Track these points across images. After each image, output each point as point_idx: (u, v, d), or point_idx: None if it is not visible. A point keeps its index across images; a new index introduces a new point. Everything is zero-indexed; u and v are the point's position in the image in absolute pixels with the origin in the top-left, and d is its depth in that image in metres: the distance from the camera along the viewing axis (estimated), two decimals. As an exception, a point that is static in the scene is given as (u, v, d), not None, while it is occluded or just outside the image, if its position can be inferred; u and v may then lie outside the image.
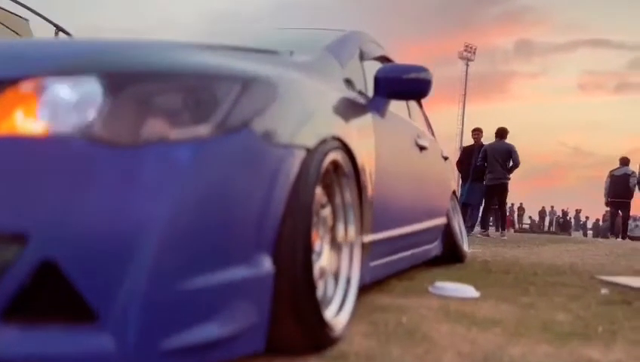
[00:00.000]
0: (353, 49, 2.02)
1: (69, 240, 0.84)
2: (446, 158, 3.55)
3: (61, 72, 0.95)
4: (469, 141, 9.10)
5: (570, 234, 22.12)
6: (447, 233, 3.42)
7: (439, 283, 2.33)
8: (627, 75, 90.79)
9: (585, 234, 25.68)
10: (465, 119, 33.99)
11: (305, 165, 1.20)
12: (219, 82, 1.06)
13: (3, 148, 0.89)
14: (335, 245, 1.47)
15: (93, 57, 1.01)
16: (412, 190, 2.46)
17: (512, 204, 25.70)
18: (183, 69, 1.06)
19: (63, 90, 0.94)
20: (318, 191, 1.31)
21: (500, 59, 76.82)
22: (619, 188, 10.12)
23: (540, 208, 31.64)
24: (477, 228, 8.99)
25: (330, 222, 1.45)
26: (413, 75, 1.97)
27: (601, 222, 24.94)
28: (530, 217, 31.37)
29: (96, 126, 0.92)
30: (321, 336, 1.23)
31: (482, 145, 8.58)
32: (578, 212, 31.99)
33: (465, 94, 36.83)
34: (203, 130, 0.98)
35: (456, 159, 8.79)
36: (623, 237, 10.87)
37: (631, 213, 11.40)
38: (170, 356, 0.88)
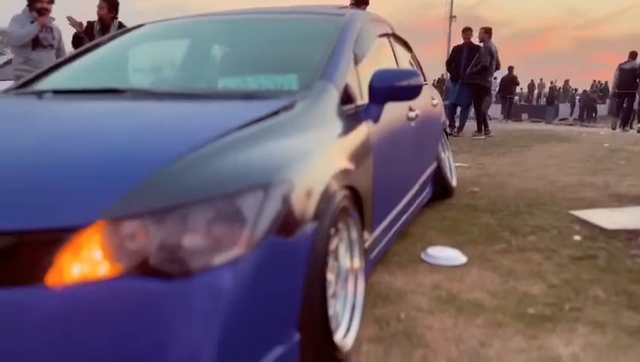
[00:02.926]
0: (348, 60, 2.10)
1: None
2: (435, 105, 3.68)
3: (118, 215, 1.12)
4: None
5: (557, 112, 22.40)
6: (437, 174, 3.66)
7: (430, 250, 2.63)
8: None
9: (572, 106, 25.99)
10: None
11: (318, 235, 1.41)
12: (244, 197, 1.23)
13: (75, 297, 1.08)
14: (340, 272, 1.72)
15: (140, 193, 1.16)
16: (406, 168, 2.66)
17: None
18: (216, 187, 1.22)
19: (123, 232, 1.12)
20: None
21: None
22: (626, 80, 10.97)
23: (529, 81, 31.66)
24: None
25: (336, 251, 1.68)
26: (404, 83, 2.09)
27: (590, 94, 25.14)
28: (521, 89, 31.47)
29: (152, 261, 1.11)
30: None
31: (472, 44, 8.54)
32: (567, 82, 32.12)
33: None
34: (236, 250, 1.18)
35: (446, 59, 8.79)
36: (624, 126, 11.46)
37: None
38: None
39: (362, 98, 2.13)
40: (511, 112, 17.21)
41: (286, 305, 1.31)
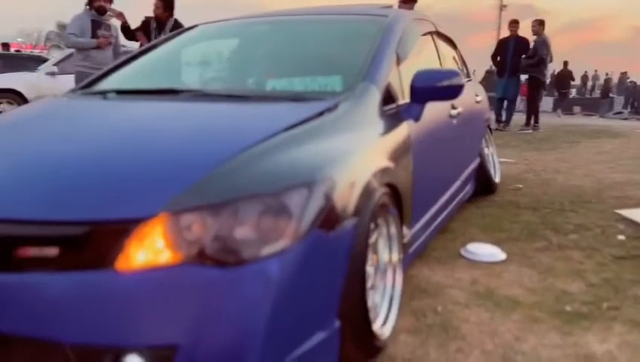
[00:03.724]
0: (390, 61, 2.18)
1: (207, 346, 1.20)
2: (479, 102, 3.69)
3: (178, 209, 1.25)
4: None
5: (612, 106, 21.49)
6: (480, 170, 3.68)
7: (470, 247, 2.68)
8: None
9: (627, 99, 24.90)
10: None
11: (359, 229, 1.50)
12: (290, 194, 1.34)
13: (140, 280, 1.22)
14: (379, 265, 1.81)
15: (198, 188, 1.29)
16: (447, 166, 2.72)
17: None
18: (266, 184, 1.33)
19: (182, 224, 1.25)
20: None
21: None
22: None
23: (583, 73, 30.56)
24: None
25: (375, 245, 1.77)
26: (445, 83, 2.15)
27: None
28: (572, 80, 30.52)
29: (208, 251, 1.24)
30: (372, 351, 1.62)
31: (519, 37, 8.38)
32: (623, 75, 30.80)
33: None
34: (283, 242, 1.29)
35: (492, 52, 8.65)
36: None
37: None
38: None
39: (404, 97, 2.20)
40: (562, 106, 16.75)
41: (327, 294, 1.41)
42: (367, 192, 1.57)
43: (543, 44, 7.94)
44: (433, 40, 3.04)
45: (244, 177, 1.36)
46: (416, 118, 2.19)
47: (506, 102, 8.76)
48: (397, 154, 1.91)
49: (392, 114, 2.04)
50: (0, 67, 10.07)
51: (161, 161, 1.41)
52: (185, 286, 1.23)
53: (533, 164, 5.43)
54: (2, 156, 1.57)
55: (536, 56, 7.91)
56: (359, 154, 1.68)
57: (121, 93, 2.17)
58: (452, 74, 2.19)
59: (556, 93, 17.47)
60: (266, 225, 1.30)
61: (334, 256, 1.43)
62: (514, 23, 8.40)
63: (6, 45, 15.87)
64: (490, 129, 4.20)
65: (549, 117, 13.59)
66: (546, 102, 17.45)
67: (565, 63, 16.60)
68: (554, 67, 14.92)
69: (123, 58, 2.73)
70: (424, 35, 2.90)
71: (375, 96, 1.96)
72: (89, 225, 1.25)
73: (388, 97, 2.07)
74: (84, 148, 1.54)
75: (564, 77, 16.67)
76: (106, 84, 2.39)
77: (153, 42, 2.95)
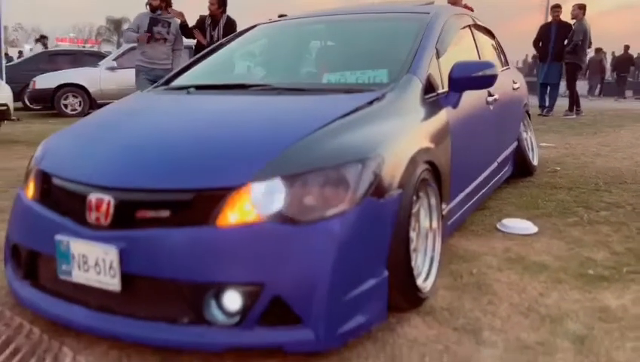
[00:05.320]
0: (431, 55, 2.46)
1: (286, 283, 1.55)
2: (516, 89, 3.91)
3: (259, 177, 1.61)
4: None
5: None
6: (517, 153, 3.91)
7: (505, 221, 2.95)
8: None
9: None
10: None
11: (403, 198, 1.82)
12: (348, 168, 1.67)
13: (234, 233, 1.59)
14: (420, 230, 2.12)
15: (276, 163, 1.65)
16: (484, 148, 2.98)
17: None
18: (328, 160, 1.67)
19: (263, 191, 1.61)
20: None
21: None
22: None
23: (636, 55, 29.42)
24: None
25: (416, 214, 2.08)
26: (480, 73, 2.43)
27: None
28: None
29: (284, 212, 1.59)
30: (415, 300, 1.95)
31: (561, 22, 8.39)
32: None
33: None
34: (342, 206, 1.62)
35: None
36: None
37: None
38: (340, 337, 1.62)
39: (443, 87, 2.49)
40: (619, 90, 16.46)
41: (377, 249, 1.74)
42: (410, 168, 1.89)
43: (580, 29, 7.94)
44: (472, 32, 3.30)
45: (311, 155, 1.70)
46: (454, 105, 2.47)
47: (549, 88, 8.80)
48: (436, 137, 2.21)
49: (433, 102, 2.34)
50: (67, 63, 10.80)
51: (246, 143, 1.78)
52: (267, 239, 1.58)
53: (573, 148, 5.57)
54: (121, 140, 1.97)
55: (573, 42, 7.93)
56: (403, 137, 1.99)
57: (199, 87, 2.55)
58: (486, 65, 2.46)
59: (615, 77, 17.21)
60: (329, 192, 1.64)
61: (383, 219, 1.75)
62: (556, 8, 8.42)
63: (44, 37, 16.66)
64: (529, 114, 4.40)
65: (592, 101, 13.39)
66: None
67: (626, 47, 16.26)
68: (614, 50, 14.71)
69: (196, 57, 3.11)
70: (463, 28, 3.16)
71: (417, 86, 2.27)
72: (195, 192, 1.63)
73: (429, 87, 2.37)
74: (184, 133, 1.93)
75: (623, 61, 16.35)
76: (183, 81, 2.78)
77: (220, 42, 3.32)
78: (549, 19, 8.97)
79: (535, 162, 4.27)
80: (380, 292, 1.75)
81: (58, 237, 1.72)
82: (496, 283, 2.20)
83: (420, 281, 2.01)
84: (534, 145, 4.37)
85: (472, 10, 6.36)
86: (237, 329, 1.57)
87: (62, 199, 1.87)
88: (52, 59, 11.34)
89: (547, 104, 8.84)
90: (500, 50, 3.98)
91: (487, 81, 2.46)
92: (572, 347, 1.72)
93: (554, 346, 1.72)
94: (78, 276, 1.69)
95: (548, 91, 8.81)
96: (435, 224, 2.15)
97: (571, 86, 8.48)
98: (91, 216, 1.69)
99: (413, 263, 1.95)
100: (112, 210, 1.67)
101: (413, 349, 1.71)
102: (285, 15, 6.23)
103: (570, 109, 8.54)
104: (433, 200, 2.14)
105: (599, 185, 3.84)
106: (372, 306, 1.72)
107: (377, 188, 1.73)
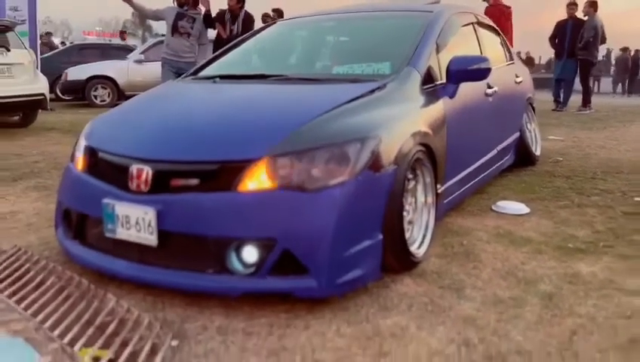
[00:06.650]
0: (431, 50, 2.74)
1: (294, 239, 1.86)
2: (519, 82, 4.15)
3: (275, 154, 1.92)
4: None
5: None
6: (519, 143, 4.15)
7: (500, 203, 3.22)
8: None
9: None
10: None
11: (398, 174, 2.11)
12: (349, 145, 1.97)
13: (252, 198, 1.90)
14: (417, 205, 2.41)
15: (288, 141, 1.95)
16: (481, 136, 3.25)
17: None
18: (333, 138, 1.97)
19: (278, 164, 1.92)
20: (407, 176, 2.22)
21: None
22: None
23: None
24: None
25: (413, 190, 2.37)
26: (475, 67, 2.70)
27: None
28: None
29: (294, 181, 1.90)
30: (409, 263, 2.24)
31: (576, 18, 8.52)
32: None
33: None
34: (343, 177, 1.92)
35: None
36: None
37: None
38: (339, 287, 1.92)
39: (442, 79, 2.77)
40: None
41: (373, 215, 2.03)
42: (405, 148, 2.18)
43: (591, 26, 8.10)
44: (474, 29, 3.55)
45: (318, 134, 2.01)
46: (451, 95, 2.75)
47: (563, 84, 8.94)
48: (432, 122, 2.50)
49: (430, 92, 2.62)
50: (96, 56, 11.27)
51: (263, 123, 2.09)
52: (280, 203, 1.89)
53: (580, 141, 5.77)
54: (157, 120, 2.31)
55: (583, 39, 8.09)
56: (400, 121, 2.28)
57: (223, 77, 2.87)
58: (481, 60, 2.74)
59: None
60: (332, 166, 1.94)
61: (379, 189, 2.05)
62: (572, 5, 8.56)
63: (49, 33, 17.24)
64: (533, 107, 4.62)
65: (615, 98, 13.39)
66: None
67: None
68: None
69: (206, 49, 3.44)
70: (465, 25, 3.42)
71: (416, 77, 2.55)
72: (219, 163, 1.95)
73: (428, 79, 2.65)
74: (211, 114, 2.26)
75: None
76: (209, 72, 3.11)
77: (242, 37, 3.64)
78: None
79: (538, 152, 4.51)
80: (374, 252, 2.05)
81: (105, 201, 2.05)
82: (483, 253, 2.48)
83: (414, 248, 2.30)
84: (537, 137, 4.60)
85: (508, 8, 6.65)
86: (253, 278, 1.89)
87: (107, 170, 2.21)
88: (82, 53, 11.83)
89: (562, 99, 8.99)
90: (505, 45, 4.22)
91: (482, 74, 2.73)
92: (540, 302, 2.00)
93: (525, 301, 2.00)
94: (121, 233, 2.02)
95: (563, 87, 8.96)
96: (429, 199, 2.44)
97: (585, 82, 8.62)
98: (133, 184, 2.02)
99: (409, 232, 2.25)
100: (150, 178, 2.00)
101: (402, 301, 2.01)
102: (278, 9, 6.70)
103: (584, 105, 8.68)
104: (428, 179, 2.43)
105: (597, 174, 4.06)
106: (367, 263, 2.02)
107: (374, 164, 2.02)
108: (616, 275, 2.23)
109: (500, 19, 6.27)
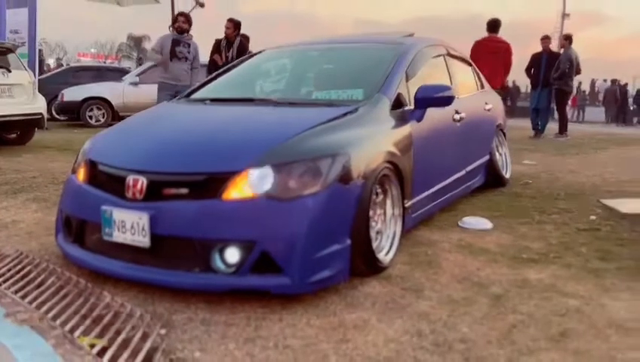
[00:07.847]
0: (400, 78, 3.06)
1: (271, 242, 2.12)
2: (489, 110, 4.48)
3: (254, 165, 2.19)
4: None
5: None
6: (489, 166, 4.46)
7: (466, 219, 3.50)
8: None
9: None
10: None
11: (365, 187, 2.39)
12: (321, 160, 2.25)
13: (235, 205, 2.16)
14: (385, 217, 2.68)
15: (267, 155, 2.23)
16: (448, 156, 3.55)
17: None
18: (307, 154, 2.25)
19: (257, 176, 2.19)
20: (375, 190, 2.49)
21: None
22: None
23: None
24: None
25: (382, 203, 2.64)
26: (439, 95, 3.01)
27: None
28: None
29: (272, 191, 2.17)
30: (376, 268, 2.50)
31: (551, 51, 8.99)
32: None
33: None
34: (316, 188, 2.19)
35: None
36: None
37: None
38: (310, 285, 2.17)
39: (411, 105, 3.07)
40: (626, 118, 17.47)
41: (342, 222, 2.30)
42: (372, 164, 2.46)
43: (566, 58, 8.56)
44: (445, 61, 3.89)
45: (295, 150, 2.29)
46: (418, 119, 3.05)
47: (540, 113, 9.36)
48: (399, 143, 2.79)
49: (399, 116, 2.92)
50: (91, 78, 11.57)
51: (246, 139, 2.38)
52: (259, 210, 2.16)
53: (552, 166, 6.10)
54: (152, 136, 2.58)
55: (559, 69, 8.54)
56: (369, 140, 2.57)
57: (213, 100, 3.16)
58: (444, 88, 3.05)
59: (635, 107, 18.33)
60: (307, 178, 2.22)
61: (348, 200, 2.32)
62: (545, 39, 9.05)
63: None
64: (504, 133, 4.94)
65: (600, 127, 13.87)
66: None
67: None
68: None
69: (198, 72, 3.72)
70: (436, 57, 3.76)
71: (385, 103, 2.85)
72: (206, 174, 2.22)
73: (397, 104, 2.95)
74: (200, 132, 2.54)
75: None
76: (201, 94, 3.40)
77: (232, 63, 3.95)
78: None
79: (507, 175, 4.81)
80: (343, 256, 2.31)
81: (103, 207, 2.30)
82: (445, 261, 2.75)
83: (382, 255, 2.57)
84: (508, 160, 4.91)
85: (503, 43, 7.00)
86: (235, 276, 2.14)
87: (106, 180, 2.47)
88: (78, 74, 12.15)
89: (540, 127, 9.40)
90: (476, 75, 4.56)
91: (445, 101, 3.04)
92: (489, 302, 2.26)
93: (475, 300, 2.27)
94: (118, 236, 2.27)
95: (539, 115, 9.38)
96: (397, 212, 2.71)
97: (561, 110, 9.04)
98: (129, 192, 2.28)
99: (377, 241, 2.52)
100: (144, 188, 2.26)
101: (367, 299, 2.27)
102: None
103: (560, 132, 9.08)
104: (395, 193, 2.71)
105: (560, 195, 4.37)
106: (336, 265, 2.28)
107: (344, 177, 2.30)
108: (559, 281, 2.51)
109: (488, 55, 6.65)
